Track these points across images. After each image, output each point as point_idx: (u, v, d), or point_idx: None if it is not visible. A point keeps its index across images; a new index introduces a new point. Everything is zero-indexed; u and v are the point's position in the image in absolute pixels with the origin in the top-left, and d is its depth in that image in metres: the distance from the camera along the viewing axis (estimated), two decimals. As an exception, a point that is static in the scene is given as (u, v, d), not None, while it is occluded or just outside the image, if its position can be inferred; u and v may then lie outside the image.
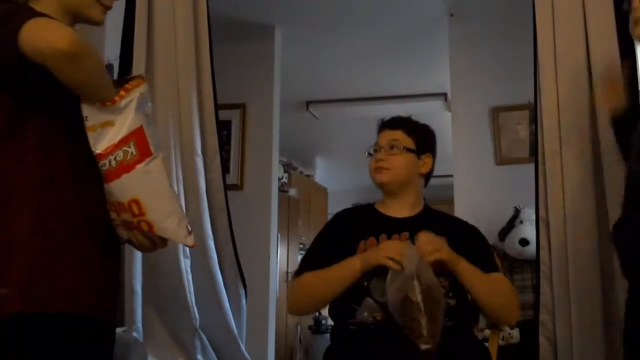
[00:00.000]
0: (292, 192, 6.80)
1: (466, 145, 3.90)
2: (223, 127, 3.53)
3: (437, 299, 1.72)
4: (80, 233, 1.34)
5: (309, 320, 6.57)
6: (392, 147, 2.01)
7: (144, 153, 1.36)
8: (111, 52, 2.65)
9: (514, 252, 3.42)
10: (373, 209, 2.09)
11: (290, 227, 6.63)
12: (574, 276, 2.29)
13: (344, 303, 1.89)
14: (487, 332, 2.58)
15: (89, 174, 1.37)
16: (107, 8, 1.47)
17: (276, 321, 4.27)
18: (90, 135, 1.34)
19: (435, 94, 5.32)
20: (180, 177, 2.68)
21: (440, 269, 1.81)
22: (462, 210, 3.62)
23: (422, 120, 2.13)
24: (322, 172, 8.17)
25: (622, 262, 1.80)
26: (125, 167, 1.34)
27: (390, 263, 1.76)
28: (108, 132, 1.34)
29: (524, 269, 3.37)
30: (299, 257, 6.44)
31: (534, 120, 2.53)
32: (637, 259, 1.69)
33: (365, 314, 1.85)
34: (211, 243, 2.73)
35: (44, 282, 1.28)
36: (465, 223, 2.10)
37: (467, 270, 1.86)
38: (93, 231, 1.37)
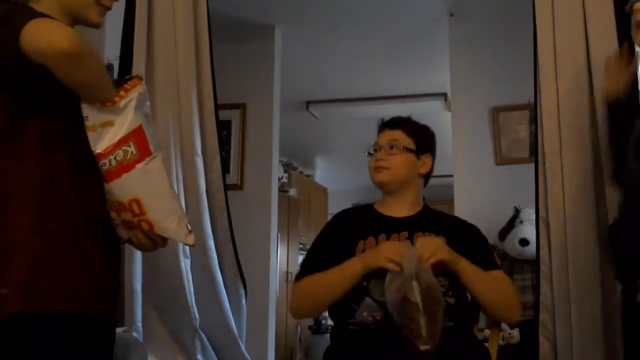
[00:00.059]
0: (292, 192, 6.80)
1: (466, 145, 3.90)
2: (223, 127, 3.52)
3: (437, 299, 1.72)
4: (80, 233, 1.34)
5: (309, 320, 6.57)
6: (391, 147, 2.01)
7: (144, 152, 1.36)
8: (111, 52, 2.65)
9: (514, 252, 3.42)
10: (372, 209, 2.09)
11: (290, 227, 6.64)
12: (574, 276, 2.29)
13: (344, 303, 1.89)
14: (487, 332, 2.59)
15: (89, 174, 1.37)
16: (106, 9, 1.47)
17: (276, 321, 4.27)
18: (91, 135, 1.34)
19: (435, 94, 5.32)
20: (180, 177, 2.68)
21: (441, 269, 1.81)
22: (462, 210, 3.62)
23: (422, 120, 2.13)
24: (322, 172, 8.17)
25: (617, 262, 1.80)
26: (126, 167, 1.35)
27: (390, 266, 1.76)
28: (108, 131, 1.34)
29: (524, 269, 3.38)
30: (299, 257, 6.45)
31: (534, 120, 2.53)
32: (636, 260, 1.69)
33: (365, 314, 1.85)
34: (211, 243, 2.73)
35: (44, 282, 1.28)
36: (465, 222, 2.10)
37: (467, 270, 1.86)
38: (93, 231, 1.37)
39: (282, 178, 6.40)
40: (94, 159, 1.35)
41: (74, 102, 1.33)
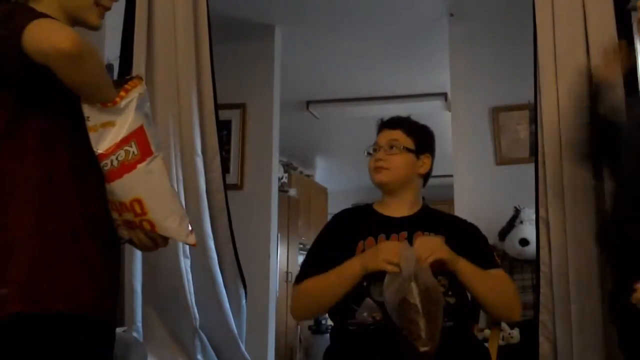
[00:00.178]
0: (292, 192, 6.80)
1: (466, 145, 3.90)
2: (223, 127, 3.52)
3: (436, 300, 1.71)
4: (80, 233, 1.34)
5: (309, 320, 6.57)
6: (391, 147, 2.01)
7: (145, 152, 1.36)
8: (111, 52, 2.65)
9: (514, 252, 3.42)
10: (371, 209, 2.09)
11: (290, 227, 6.64)
12: (574, 276, 2.29)
13: (344, 303, 1.89)
14: (487, 332, 2.58)
15: (89, 174, 1.37)
16: (105, 9, 1.47)
17: (276, 321, 4.27)
18: (92, 136, 1.34)
19: (435, 94, 5.32)
20: (180, 177, 2.68)
21: (439, 268, 1.81)
22: (462, 210, 3.62)
23: (422, 121, 2.13)
24: (322, 172, 8.17)
25: (623, 257, 1.80)
26: (127, 167, 1.35)
27: (389, 268, 1.75)
28: (109, 132, 1.34)
29: (524, 269, 3.38)
30: (299, 257, 6.45)
31: (534, 120, 2.53)
32: None
33: (365, 314, 1.85)
34: (211, 243, 2.73)
35: (44, 282, 1.28)
36: (464, 221, 2.10)
37: (466, 269, 1.86)
38: (93, 231, 1.37)
39: (282, 178, 6.40)
40: (94, 159, 1.35)
41: (74, 102, 1.33)
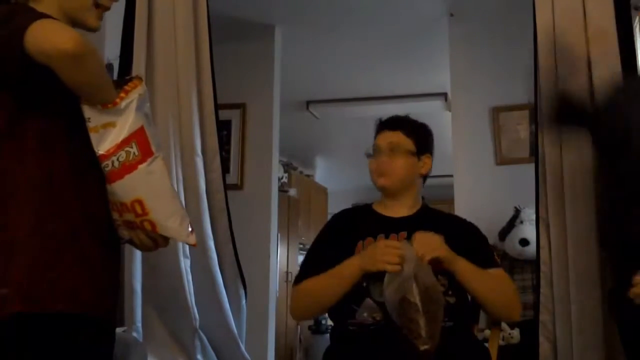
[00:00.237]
0: (292, 192, 6.80)
1: (466, 145, 3.90)
2: (223, 127, 3.52)
3: (436, 299, 1.71)
4: (80, 233, 1.34)
5: (309, 320, 6.57)
6: (392, 150, 2.01)
7: (146, 153, 1.37)
8: (111, 52, 2.65)
9: (514, 252, 3.42)
10: (371, 210, 2.08)
11: (290, 227, 6.64)
12: (574, 276, 2.29)
13: (344, 303, 1.89)
14: (487, 332, 2.58)
15: (89, 174, 1.37)
16: (105, 9, 1.47)
17: (276, 321, 4.27)
18: (93, 137, 1.34)
19: (435, 94, 5.32)
20: (180, 177, 2.68)
21: (437, 267, 1.81)
22: (462, 210, 3.62)
23: (422, 120, 2.13)
24: (322, 172, 8.17)
25: (623, 256, 1.80)
26: (128, 168, 1.35)
27: (389, 268, 1.75)
28: (110, 133, 1.34)
29: (524, 269, 3.37)
30: (299, 257, 6.45)
31: (534, 120, 2.53)
32: None
33: (365, 314, 1.85)
34: (211, 243, 2.73)
35: (44, 282, 1.28)
36: (464, 221, 2.10)
37: (464, 269, 1.85)
38: (93, 231, 1.37)
39: (282, 178, 6.40)
40: (94, 159, 1.35)
41: (74, 102, 1.34)
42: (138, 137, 1.36)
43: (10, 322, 1.25)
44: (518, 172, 3.58)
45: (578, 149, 2.34)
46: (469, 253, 1.88)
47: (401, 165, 2.00)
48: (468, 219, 2.11)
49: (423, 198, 2.12)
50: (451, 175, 3.92)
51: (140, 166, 1.36)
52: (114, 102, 1.33)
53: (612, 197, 1.99)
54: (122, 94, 1.34)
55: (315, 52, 4.70)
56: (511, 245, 3.43)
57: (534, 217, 2.60)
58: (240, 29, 4.19)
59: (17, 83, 1.32)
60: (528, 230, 3.32)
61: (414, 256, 1.74)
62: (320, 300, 1.94)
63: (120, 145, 1.34)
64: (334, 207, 7.26)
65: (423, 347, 1.64)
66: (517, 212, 3.48)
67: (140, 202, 1.36)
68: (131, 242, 1.45)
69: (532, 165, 2.51)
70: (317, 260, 1.98)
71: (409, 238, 1.90)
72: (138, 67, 2.64)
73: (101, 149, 1.34)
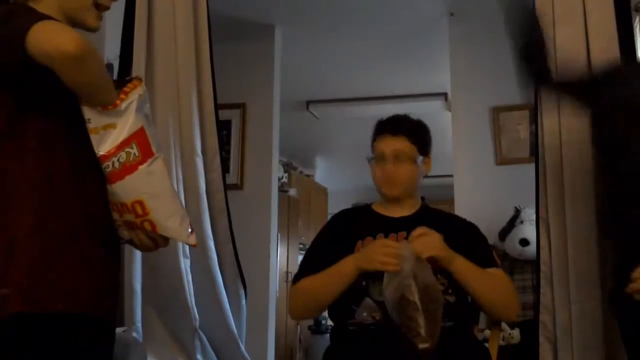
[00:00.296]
0: (292, 192, 6.80)
1: (466, 145, 3.90)
2: (223, 127, 3.52)
3: (435, 298, 1.71)
4: (80, 233, 1.34)
5: (308, 320, 6.57)
6: (397, 157, 1.98)
7: (146, 154, 1.37)
8: (111, 52, 2.65)
9: (515, 252, 3.42)
10: (370, 210, 2.08)
11: (290, 227, 6.64)
12: (574, 276, 2.29)
13: (344, 303, 1.89)
14: (487, 332, 2.58)
15: (89, 174, 1.37)
16: (105, 9, 1.48)
17: (276, 321, 4.27)
18: (93, 138, 1.34)
19: (435, 93, 5.32)
20: (180, 177, 2.68)
21: (437, 265, 1.81)
22: (462, 210, 3.62)
23: (422, 120, 2.11)
24: (322, 172, 8.17)
25: (624, 251, 1.80)
26: (129, 169, 1.35)
27: (384, 267, 1.75)
28: (110, 134, 1.34)
29: (524, 269, 3.37)
30: (299, 257, 6.45)
31: (534, 120, 2.53)
32: None
33: (365, 314, 1.85)
34: (211, 243, 2.73)
35: (44, 282, 1.28)
36: (464, 220, 2.10)
37: (462, 268, 1.84)
38: (93, 231, 1.37)
39: (282, 178, 6.40)
40: (94, 159, 1.35)
41: (74, 102, 1.34)
42: (138, 138, 1.36)
43: (10, 322, 1.26)
44: (518, 172, 3.58)
45: (578, 148, 2.34)
46: (468, 252, 1.88)
47: (407, 173, 1.99)
48: (468, 219, 2.11)
49: (423, 198, 2.11)
50: (451, 175, 3.92)
51: (141, 167, 1.36)
52: (114, 104, 1.33)
53: (613, 197, 1.98)
54: (122, 95, 1.35)
55: (315, 52, 4.70)
56: (511, 245, 3.43)
57: (534, 217, 2.60)
58: (240, 29, 4.19)
59: (18, 83, 1.32)
60: (528, 230, 3.32)
61: (412, 255, 1.74)
62: (318, 298, 1.94)
63: (121, 146, 1.34)
64: (334, 207, 7.26)
65: (422, 346, 1.64)
66: (517, 212, 3.48)
67: (140, 202, 1.37)
68: (131, 242, 1.45)
69: (532, 165, 2.50)
70: (315, 260, 1.98)
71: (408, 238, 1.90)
72: (138, 67, 2.64)
73: (101, 150, 1.34)
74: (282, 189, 6.12)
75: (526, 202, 3.36)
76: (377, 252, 1.79)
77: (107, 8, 1.48)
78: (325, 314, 2.03)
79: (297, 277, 1.99)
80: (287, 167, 6.92)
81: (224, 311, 2.73)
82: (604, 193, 2.02)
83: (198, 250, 2.65)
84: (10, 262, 1.27)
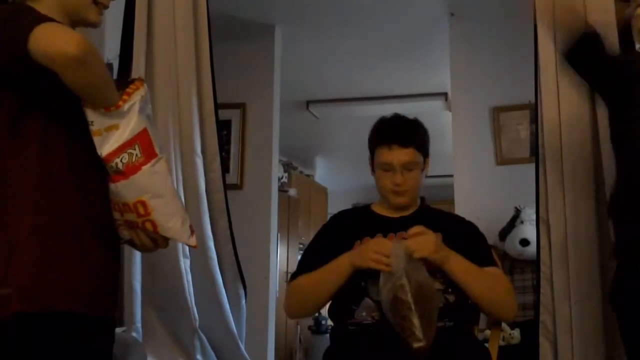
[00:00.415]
0: (292, 192, 6.80)
1: (466, 145, 3.89)
2: (223, 127, 3.53)
3: (429, 297, 1.71)
4: (81, 233, 1.34)
5: (308, 320, 6.57)
6: (405, 167, 1.95)
7: (149, 154, 1.37)
8: (111, 51, 2.65)
9: (515, 252, 3.42)
10: (369, 210, 2.08)
11: (290, 227, 6.64)
12: (574, 276, 2.29)
13: (343, 303, 1.89)
14: (488, 332, 2.58)
15: (90, 173, 1.38)
16: (104, 7, 1.48)
17: (276, 321, 4.27)
18: (96, 139, 1.35)
19: (435, 93, 5.32)
20: (180, 178, 2.68)
21: (433, 265, 1.81)
22: (462, 210, 3.62)
23: (422, 120, 2.10)
24: (322, 172, 8.17)
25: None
26: (132, 169, 1.36)
27: (380, 267, 1.75)
28: (113, 135, 1.35)
29: (525, 269, 3.37)
30: (299, 257, 6.44)
31: (535, 120, 2.53)
32: None
33: (364, 314, 1.85)
34: (211, 243, 2.73)
35: (44, 282, 1.28)
36: (462, 219, 2.10)
37: (456, 267, 1.84)
38: (93, 231, 1.37)
39: (282, 178, 6.40)
40: (94, 159, 1.35)
41: (75, 102, 1.34)
42: (141, 139, 1.36)
43: (10, 322, 1.26)
44: (518, 172, 3.58)
45: (579, 148, 2.34)
46: (467, 251, 1.88)
47: (415, 182, 1.98)
48: (467, 219, 2.11)
49: (423, 198, 2.11)
50: (451, 175, 3.92)
51: (144, 167, 1.36)
52: (116, 105, 1.34)
53: (613, 197, 1.98)
54: (125, 96, 1.35)
55: (315, 52, 4.70)
56: (511, 245, 3.43)
57: (534, 217, 2.60)
58: (240, 29, 4.19)
59: (19, 84, 1.32)
60: (528, 230, 3.31)
61: (404, 253, 1.73)
62: (312, 296, 1.94)
63: (123, 147, 1.35)
64: (334, 207, 7.26)
65: (417, 345, 1.63)
66: (518, 212, 3.48)
67: (143, 202, 1.37)
68: (131, 242, 1.45)
69: (532, 165, 2.50)
70: (313, 260, 1.98)
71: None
72: (138, 67, 2.64)
73: (104, 151, 1.35)
74: (282, 189, 6.12)
75: (526, 202, 3.36)
76: (371, 250, 1.80)
77: (106, 7, 1.49)
78: (326, 313, 2.03)
79: (294, 276, 2.00)
80: (287, 167, 6.92)
81: (224, 311, 2.73)
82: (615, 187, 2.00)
83: (198, 251, 2.64)
84: (10, 262, 1.27)
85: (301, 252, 6.50)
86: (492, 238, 3.18)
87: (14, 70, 1.29)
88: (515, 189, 3.51)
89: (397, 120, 2.04)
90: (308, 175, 7.84)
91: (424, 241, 1.81)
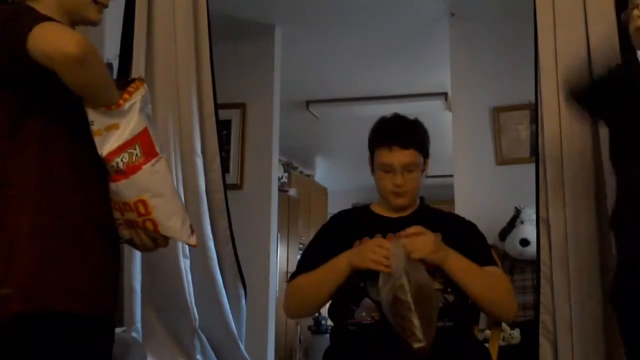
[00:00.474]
0: (292, 192, 6.80)
1: (466, 145, 3.89)
2: (223, 127, 3.53)
3: (429, 297, 1.71)
4: (81, 233, 1.34)
5: (308, 320, 6.57)
6: (406, 169, 1.95)
7: (150, 154, 1.37)
8: (111, 51, 2.65)
9: (515, 252, 3.42)
10: (368, 210, 2.08)
11: (290, 227, 6.63)
12: (574, 276, 2.29)
13: (343, 304, 1.89)
14: (488, 332, 2.58)
15: (90, 173, 1.38)
16: (103, 6, 1.48)
17: (276, 321, 4.27)
18: (97, 139, 1.35)
19: (435, 93, 5.31)
20: (180, 177, 2.68)
21: (432, 265, 1.81)
22: (462, 210, 3.61)
23: (422, 120, 2.10)
24: (322, 172, 8.17)
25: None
26: (132, 169, 1.36)
27: (379, 268, 1.75)
28: (113, 134, 1.35)
29: (525, 269, 3.37)
30: (299, 257, 6.44)
31: (535, 120, 2.53)
32: None
33: (364, 314, 1.85)
34: (211, 243, 2.73)
35: (44, 282, 1.28)
36: (462, 219, 2.09)
37: (455, 267, 1.83)
38: (93, 231, 1.37)
39: (282, 178, 6.40)
40: (94, 159, 1.36)
41: (76, 102, 1.34)
42: (142, 138, 1.36)
43: (10, 322, 1.26)
44: (518, 172, 3.57)
45: (579, 148, 2.34)
46: (466, 251, 1.88)
47: (415, 182, 1.97)
48: (467, 219, 2.11)
49: (423, 198, 2.11)
50: (451, 175, 3.91)
51: (145, 167, 1.37)
52: (117, 104, 1.34)
53: (614, 212, 1.97)
54: (126, 95, 1.35)
55: (315, 52, 4.69)
56: (511, 245, 3.43)
57: (534, 217, 2.60)
58: (240, 29, 4.19)
59: (19, 84, 1.32)
60: (528, 230, 3.31)
61: (403, 254, 1.73)
62: (310, 296, 1.94)
63: (124, 147, 1.35)
64: (334, 207, 7.26)
65: (417, 345, 1.63)
66: (518, 212, 3.48)
67: (143, 202, 1.37)
68: (131, 241, 1.45)
69: (532, 165, 2.51)
70: (312, 260, 1.97)
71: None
72: (138, 67, 2.64)
73: (105, 150, 1.35)
74: (282, 189, 6.12)
75: (526, 202, 3.36)
76: (370, 251, 1.79)
77: (106, 6, 1.49)
78: (325, 313, 2.03)
79: (293, 276, 2.00)
80: (287, 167, 6.92)
81: (224, 311, 2.73)
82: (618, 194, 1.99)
83: (198, 250, 2.65)
84: (10, 262, 1.27)
85: (301, 252, 6.53)
86: (492, 238, 3.18)
87: (14, 70, 1.29)
88: (515, 189, 3.51)
89: (398, 121, 2.04)
90: (308, 175, 7.84)
91: (421, 241, 1.81)
